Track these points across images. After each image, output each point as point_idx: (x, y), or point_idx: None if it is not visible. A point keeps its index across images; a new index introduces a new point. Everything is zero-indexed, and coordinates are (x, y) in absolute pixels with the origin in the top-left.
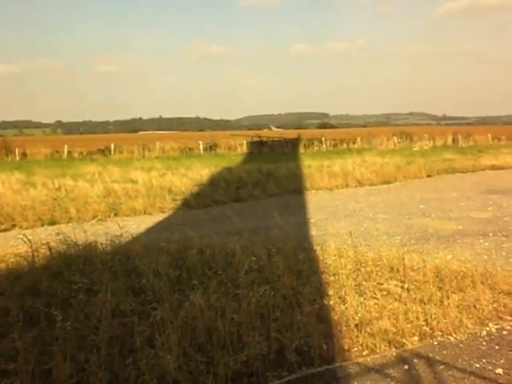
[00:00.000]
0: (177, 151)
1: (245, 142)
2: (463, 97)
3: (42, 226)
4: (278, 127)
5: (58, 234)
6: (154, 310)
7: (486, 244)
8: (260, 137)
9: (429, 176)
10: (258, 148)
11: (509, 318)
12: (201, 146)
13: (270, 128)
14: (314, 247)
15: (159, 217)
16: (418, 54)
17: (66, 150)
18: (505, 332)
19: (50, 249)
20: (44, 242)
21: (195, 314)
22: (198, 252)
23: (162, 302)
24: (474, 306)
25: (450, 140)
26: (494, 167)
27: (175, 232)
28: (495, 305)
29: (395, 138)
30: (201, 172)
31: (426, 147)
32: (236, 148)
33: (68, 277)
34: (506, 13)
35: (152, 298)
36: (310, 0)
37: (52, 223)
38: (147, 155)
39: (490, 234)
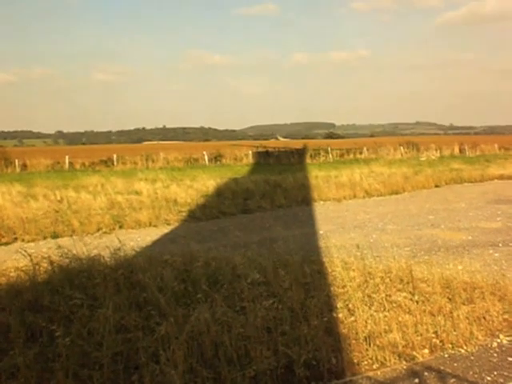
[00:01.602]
0: (181, 162)
1: (250, 152)
2: (470, 106)
3: (45, 239)
4: (284, 137)
5: (60, 247)
6: (158, 324)
7: (496, 255)
8: (266, 147)
9: (437, 186)
10: (264, 158)
11: None
12: (206, 157)
13: (276, 138)
14: (322, 259)
15: (165, 229)
16: (423, 63)
17: (67, 161)
18: None
19: (51, 263)
20: (46, 255)
21: (201, 329)
22: (204, 265)
23: (166, 316)
24: (484, 318)
25: (457, 150)
26: (502, 177)
27: (181, 244)
28: (506, 316)
29: (402, 147)
30: (206, 183)
31: (433, 157)
32: (242, 158)
33: (70, 291)
34: (508, 21)
35: (156, 312)
36: (310, 9)
37: (55, 236)
38: (151, 166)
39: (500, 245)
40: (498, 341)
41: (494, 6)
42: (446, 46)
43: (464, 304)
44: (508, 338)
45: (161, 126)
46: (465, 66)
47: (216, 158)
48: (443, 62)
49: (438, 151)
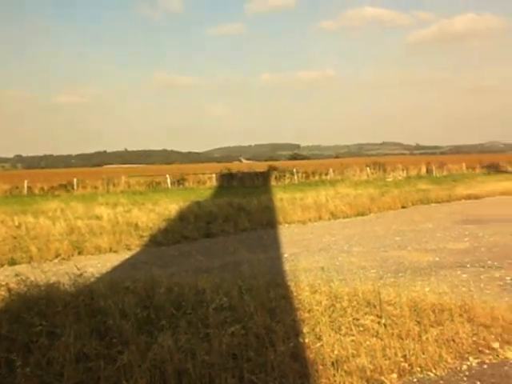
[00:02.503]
0: (143, 185)
1: (214, 175)
2: (436, 126)
3: (2, 266)
4: (248, 159)
5: (18, 274)
6: (120, 353)
7: (464, 276)
8: (230, 170)
9: (403, 207)
10: (228, 181)
11: (488, 351)
12: (168, 180)
13: (240, 160)
14: (288, 283)
15: (126, 254)
16: (389, 83)
17: (25, 186)
18: (485, 366)
19: (9, 290)
20: (3, 283)
21: (164, 357)
22: (167, 291)
23: (128, 344)
24: (453, 340)
25: (423, 170)
26: (469, 197)
27: (143, 270)
28: (475, 338)
29: (368, 168)
30: (169, 207)
31: (399, 177)
32: (205, 181)
33: (29, 320)
34: (476, 40)
35: (118, 340)
36: (278, 28)
37: (12, 263)
38: (112, 190)
39: (468, 265)
40: (468, 363)
41: (464, 24)
42: (414, 64)
43: (432, 326)
44: (477, 361)
45: (122, 149)
46: (432, 84)
47: (179, 181)
48: (410, 81)
49: (405, 171)
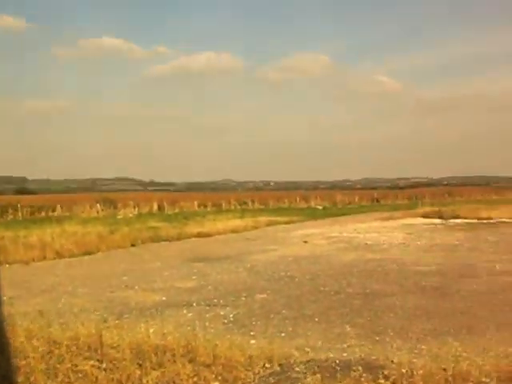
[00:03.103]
0: None
1: None
2: (171, 162)
3: None
4: None
5: None
6: None
7: (190, 315)
8: None
9: (133, 245)
10: None
11: None
12: None
13: None
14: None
15: None
16: (126, 116)
17: None
18: None
19: None
20: None
21: None
22: None
23: None
24: (174, 382)
25: (155, 207)
26: (199, 235)
27: None
28: (195, 378)
29: (99, 205)
30: None
31: (130, 215)
32: None
33: None
34: (215, 77)
35: None
36: (6, 52)
37: None
38: None
39: (194, 304)
40: None
41: (203, 61)
42: (154, 99)
43: (154, 369)
44: None
45: None
46: (170, 120)
47: None
48: (149, 116)
49: (136, 208)
